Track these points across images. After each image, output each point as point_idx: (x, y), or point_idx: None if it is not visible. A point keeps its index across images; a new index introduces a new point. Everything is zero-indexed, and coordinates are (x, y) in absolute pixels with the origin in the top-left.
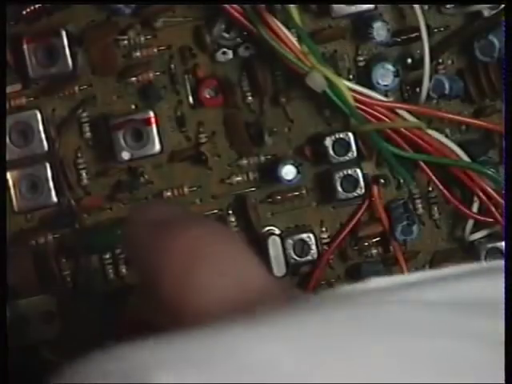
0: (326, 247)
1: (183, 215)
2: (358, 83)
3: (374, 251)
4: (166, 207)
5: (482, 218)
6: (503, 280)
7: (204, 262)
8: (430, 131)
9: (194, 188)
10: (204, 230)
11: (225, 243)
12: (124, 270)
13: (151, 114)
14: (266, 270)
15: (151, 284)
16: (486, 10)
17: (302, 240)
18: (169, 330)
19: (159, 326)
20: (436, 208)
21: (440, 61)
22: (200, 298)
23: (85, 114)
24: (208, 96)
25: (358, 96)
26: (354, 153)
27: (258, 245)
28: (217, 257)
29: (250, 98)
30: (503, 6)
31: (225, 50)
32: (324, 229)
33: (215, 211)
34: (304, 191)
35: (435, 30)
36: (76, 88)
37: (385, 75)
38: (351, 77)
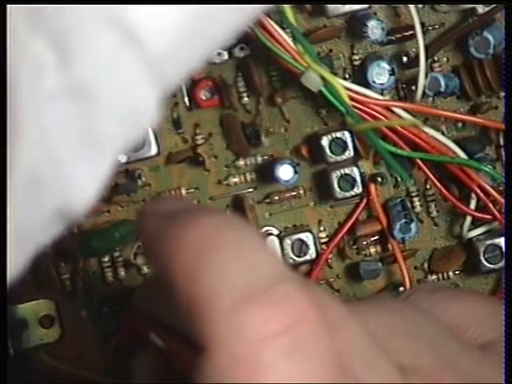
0: (324, 247)
1: (195, 206)
2: (353, 82)
3: (373, 250)
4: (179, 200)
5: (480, 215)
6: None
7: (216, 249)
8: (427, 129)
9: (192, 190)
10: (216, 219)
11: (236, 231)
12: (123, 273)
13: None
14: (277, 256)
15: (164, 273)
16: (481, 7)
17: (301, 240)
18: (184, 323)
19: (167, 317)
20: (434, 206)
21: (435, 58)
22: (212, 285)
23: None
24: (204, 97)
25: (353, 95)
26: (350, 152)
27: None
28: (228, 244)
29: (245, 98)
30: (498, 4)
31: (220, 50)
32: (322, 228)
33: None
34: (301, 191)
35: (430, 28)
36: None
37: (380, 74)
38: (347, 76)
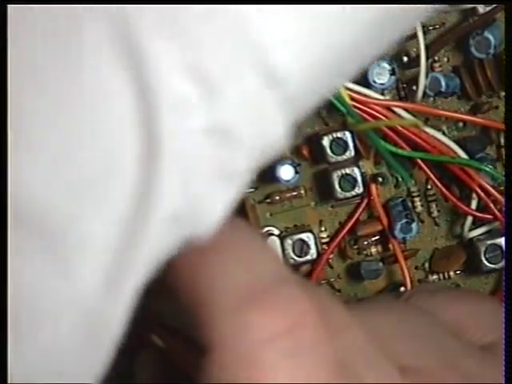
0: (325, 247)
1: None
2: (354, 82)
3: (374, 250)
4: None
5: (481, 215)
6: None
7: (218, 250)
8: (427, 129)
9: None
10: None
11: (238, 233)
12: None
13: None
14: (278, 258)
15: (168, 273)
16: (481, 7)
17: (301, 240)
18: (186, 324)
19: (168, 317)
20: (435, 205)
21: (436, 58)
22: (216, 285)
23: None
24: None
25: (354, 95)
26: (351, 152)
27: None
28: (231, 245)
29: None
30: (499, 4)
31: None
32: (323, 228)
33: None
34: (302, 191)
35: (430, 28)
36: None
37: (381, 74)
38: None
